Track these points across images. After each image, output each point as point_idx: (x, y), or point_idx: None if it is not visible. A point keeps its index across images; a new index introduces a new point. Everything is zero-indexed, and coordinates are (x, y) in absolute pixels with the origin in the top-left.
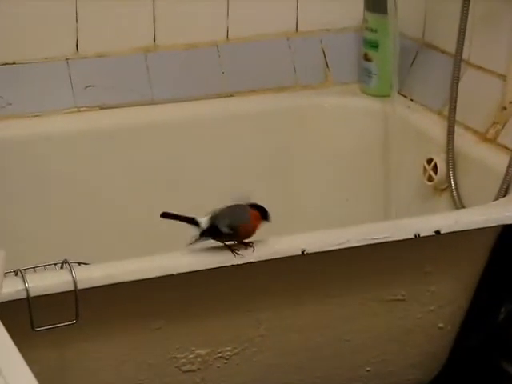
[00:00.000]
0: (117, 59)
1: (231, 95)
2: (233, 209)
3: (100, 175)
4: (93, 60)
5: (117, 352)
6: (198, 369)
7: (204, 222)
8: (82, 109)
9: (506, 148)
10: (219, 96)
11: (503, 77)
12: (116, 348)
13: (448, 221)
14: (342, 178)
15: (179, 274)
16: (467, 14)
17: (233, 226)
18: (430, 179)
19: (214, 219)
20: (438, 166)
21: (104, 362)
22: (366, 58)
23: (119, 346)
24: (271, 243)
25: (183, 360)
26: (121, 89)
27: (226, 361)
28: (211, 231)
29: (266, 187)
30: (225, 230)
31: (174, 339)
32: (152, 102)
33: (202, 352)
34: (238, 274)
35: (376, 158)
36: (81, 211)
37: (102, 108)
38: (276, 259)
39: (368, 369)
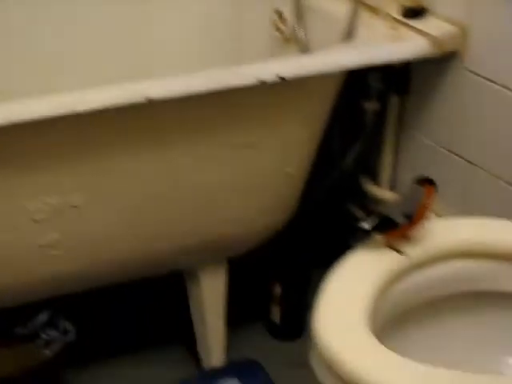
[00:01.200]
0: None
1: None
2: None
3: None
4: None
5: None
6: (50, 217)
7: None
8: None
9: None
10: None
11: None
12: None
13: (290, 66)
14: (191, 37)
15: (24, 122)
16: None
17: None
18: (279, 30)
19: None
20: (286, 16)
21: None
22: None
23: None
24: (116, 89)
25: (33, 209)
26: None
27: (76, 209)
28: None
29: (117, 49)
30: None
31: (21, 189)
32: None
33: (52, 201)
34: (82, 122)
35: (225, 13)
36: None
37: None
38: (121, 107)
39: (219, 215)
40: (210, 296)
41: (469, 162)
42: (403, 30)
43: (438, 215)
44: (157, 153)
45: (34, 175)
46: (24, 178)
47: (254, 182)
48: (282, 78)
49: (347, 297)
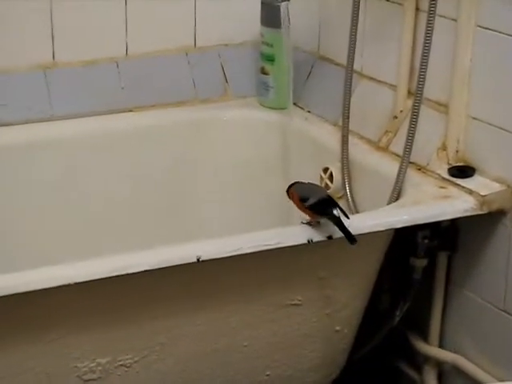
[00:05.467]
0: (15, 76)
1: (131, 110)
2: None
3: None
4: None
5: (13, 363)
6: (99, 377)
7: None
8: None
9: (398, 155)
10: (119, 111)
11: (394, 87)
12: (13, 359)
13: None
14: (241, 189)
15: (77, 284)
16: (356, 27)
17: None
18: (327, 187)
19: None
20: (334, 174)
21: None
22: (263, 72)
23: (17, 358)
24: (168, 251)
25: (84, 369)
26: (19, 106)
27: (126, 369)
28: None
29: (167, 201)
30: None
31: (74, 348)
32: (52, 119)
33: (103, 361)
34: (135, 282)
35: (274, 169)
36: None
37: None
38: (172, 267)
39: (268, 373)
40: None
41: None
42: (451, 189)
43: (491, 374)
44: (210, 312)
45: (89, 336)
46: (79, 338)
47: (303, 340)
48: (330, 237)
49: None
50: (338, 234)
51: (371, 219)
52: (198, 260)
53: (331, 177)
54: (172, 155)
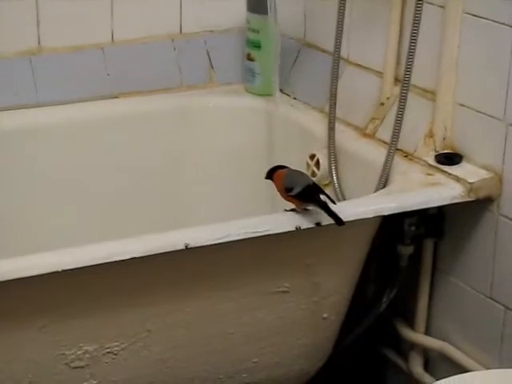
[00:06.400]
0: (0, 63)
1: (116, 97)
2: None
3: None
4: None
5: (2, 351)
6: (87, 365)
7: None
8: None
9: (384, 142)
10: (105, 98)
11: (380, 74)
12: (1, 347)
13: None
14: (227, 175)
15: (64, 271)
16: (344, 13)
17: None
18: (313, 174)
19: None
20: (321, 161)
21: None
22: (249, 58)
23: (4, 346)
24: (155, 238)
25: (72, 356)
26: (4, 92)
27: (114, 356)
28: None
29: (153, 187)
30: None
31: (61, 336)
32: (37, 105)
33: (90, 348)
34: (123, 270)
35: (261, 155)
36: None
37: None
38: (160, 254)
39: (255, 360)
40: None
41: (506, 307)
42: (439, 176)
43: (477, 361)
44: (198, 299)
45: (76, 324)
46: (67, 326)
47: (290, 328)
48: (318, 224)
49: None
50: (326, 220)
51: (358, 206)
52: (186, 247)
53: (318, 163)
54: (158, 141)
